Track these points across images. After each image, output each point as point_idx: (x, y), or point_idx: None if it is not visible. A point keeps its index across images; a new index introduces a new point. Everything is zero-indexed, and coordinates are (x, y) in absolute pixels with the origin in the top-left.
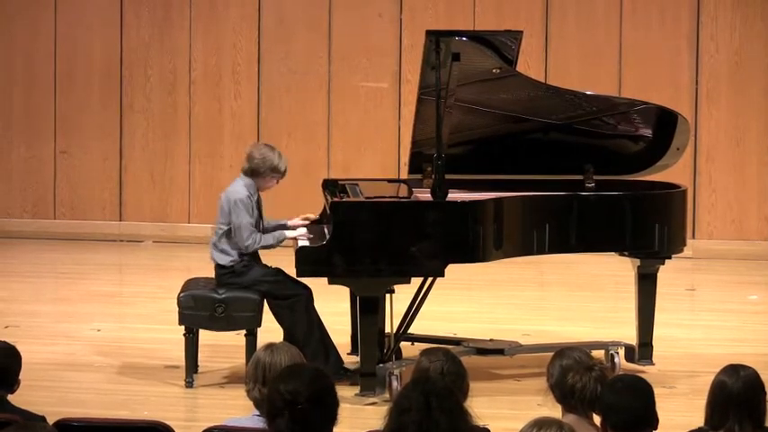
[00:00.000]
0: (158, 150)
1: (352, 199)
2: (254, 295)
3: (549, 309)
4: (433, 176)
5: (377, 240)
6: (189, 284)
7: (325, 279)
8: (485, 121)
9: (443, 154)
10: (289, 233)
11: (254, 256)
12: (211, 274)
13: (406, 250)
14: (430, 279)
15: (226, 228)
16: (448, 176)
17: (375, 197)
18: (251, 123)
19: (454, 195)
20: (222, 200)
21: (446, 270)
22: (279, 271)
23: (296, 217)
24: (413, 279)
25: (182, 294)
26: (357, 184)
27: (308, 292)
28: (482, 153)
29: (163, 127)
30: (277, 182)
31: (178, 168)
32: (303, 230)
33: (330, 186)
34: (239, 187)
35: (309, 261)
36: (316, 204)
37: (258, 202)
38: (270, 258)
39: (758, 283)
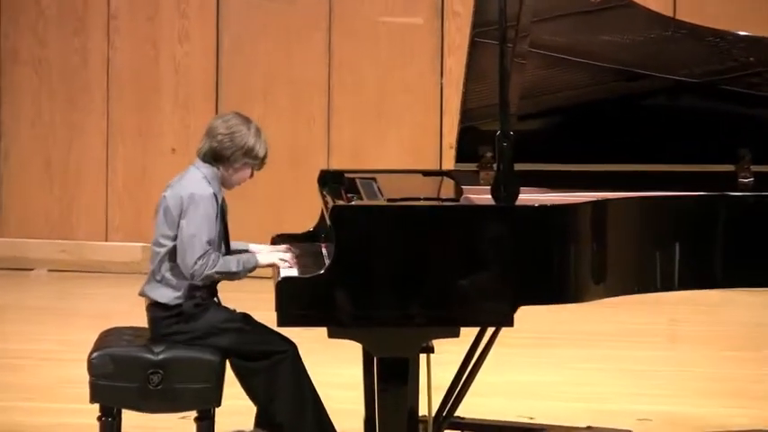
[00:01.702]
0: (58, 124)
1: (365, 202)
2: (210, 355)
3: (682, 378)
4: (496, 166)
5: (406, 268)
6: (107, 338)
7: (324, 330)
8: (577, 77)
9: (511, 131)
10: (263, 256)
11: (211, 292)
12: (142, 320)
13: (453, 284)
14: (491, 330)
15: (171, 244)
16: (518, 166)
17: (402, 199)
18: (205, 81)
19: (528, 197)
20: (167, 198)
21: (516, 316)
22: (247, 317)
23: (273, 242)
24: (463, 330)
25: (95, 354)
26: (374, 180)
27: (293, 349)
28: (572, 129)
29: (66, 87)
30: (251, 174)
31: (90, 153)
32: (287, 253)
33: (331, 183)
34: (199, 180)
35: (298, 301)
36: (309, 212)
37: (223, 210)
38: (232, 297)
39: None
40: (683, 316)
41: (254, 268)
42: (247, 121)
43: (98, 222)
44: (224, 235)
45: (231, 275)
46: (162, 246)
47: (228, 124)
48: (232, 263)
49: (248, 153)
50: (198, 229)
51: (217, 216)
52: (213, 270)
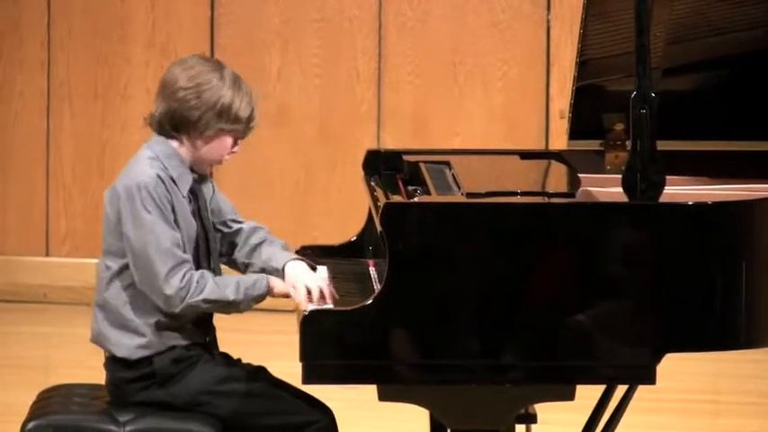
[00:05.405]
0: None
1: (434, 198)
2: (201, 427)
3: None
4: (631, 144)
5: (496, 296)
6: (49, 401)
7: (373, 389)
8: (751, 14)
9: (653, 92)
10: (279, 281)
11: (201, 332)
12: (101, 373)
13: (566, 321)
14: (620, 390)
15: (118, 265)
16: (662, 145)
17: (490, 194)
18: (195, 19)
19: (674, 191)
20: (106, 198)
21: (660, 367)
22: (259, 373)
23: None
24: (581, 389)
25: (32, 425)
26: (448, 164)
27: (327, 418)
28: (740, 92)
29: None
30: (235, 143)
31: (21, 126)
32: (322, 276)
33: (384, 169)
34: (143, 162)
35: (333, 346)
36: (350, 212)
37: (196, 198)
38: (235, 339)
39: None
40: None
41: (262, 297)
42: (218, 66)
43: (35, 229)
44: (204, 243)
45: (226, 306)
46: (107, 268)
47: (192, 73)
48: (228, 287)
49: (225, 114)
50: (150, 234)
51: (173, 208)
52: (200, 297)
